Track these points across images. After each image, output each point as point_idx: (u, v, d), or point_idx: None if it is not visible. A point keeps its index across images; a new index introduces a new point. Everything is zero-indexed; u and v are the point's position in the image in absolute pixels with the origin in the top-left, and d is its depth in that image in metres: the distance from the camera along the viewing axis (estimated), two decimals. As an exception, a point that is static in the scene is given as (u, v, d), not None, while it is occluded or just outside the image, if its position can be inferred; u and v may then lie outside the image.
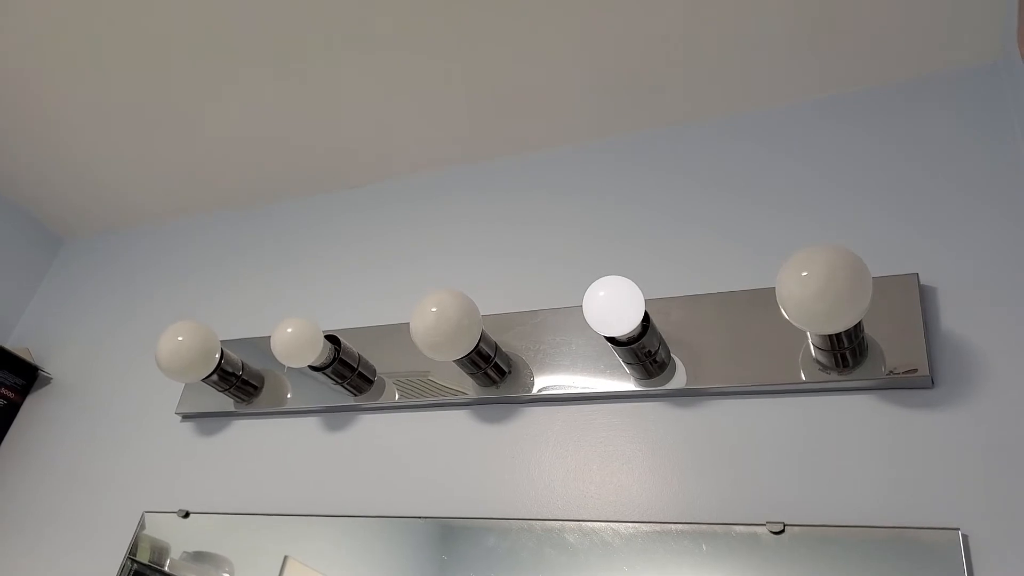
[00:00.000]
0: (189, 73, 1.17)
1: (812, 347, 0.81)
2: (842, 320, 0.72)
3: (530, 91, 1.12)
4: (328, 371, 1.02)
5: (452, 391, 1.00)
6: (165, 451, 1.18)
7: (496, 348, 0.96)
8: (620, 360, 0.89)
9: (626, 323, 0.81)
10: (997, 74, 0.95)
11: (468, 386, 0.99)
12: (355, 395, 1.06)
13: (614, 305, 0.81)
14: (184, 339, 1.05)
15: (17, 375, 1.37)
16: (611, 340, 0.85)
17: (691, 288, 0.96)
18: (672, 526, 0.80)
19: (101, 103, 1.26)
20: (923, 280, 0.84)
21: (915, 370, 0.78)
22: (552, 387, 0.95)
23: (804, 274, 0.71)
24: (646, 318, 0.83)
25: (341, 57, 1.11)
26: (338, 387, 1.05)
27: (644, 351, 0.86)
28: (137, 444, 1.21)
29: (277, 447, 1.09)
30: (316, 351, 0.99)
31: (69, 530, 1.17)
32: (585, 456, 0.91)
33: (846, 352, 0.79)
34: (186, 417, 1.20)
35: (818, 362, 0.82)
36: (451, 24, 1.04)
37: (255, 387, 1.14)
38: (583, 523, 0.84)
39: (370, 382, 1.06)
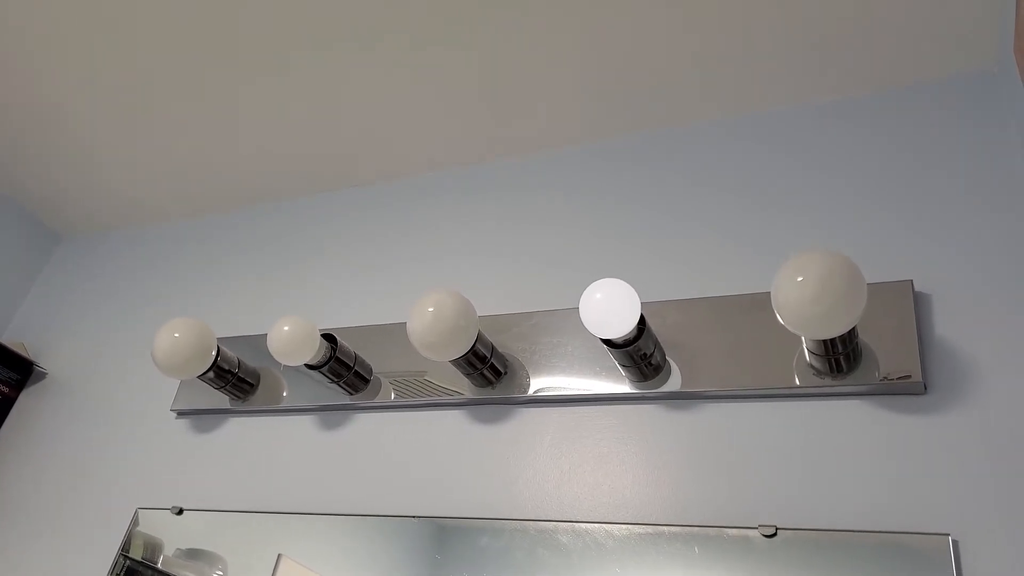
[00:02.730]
0: (189, 73, 1.17)
1: (807, 352, 0.81)
2: (837, 325, 0.72)
3: (528, 93, 1.12)
4: (324, 370, 1.02)
5: (448, 391, 1.00)
6: (160, 448, 1.18)
7: (492, 349, 0.96)
8: (616, 362, 0.89)
9: (622, 325, 0.82)
10: (994, 82, 0.95)
11: (464, 386, 0.99)
12: (351, 394, 1.06)
13: (610, 307, 0.81)
14: (180, 336, 1.05)
15: (12, 370, 1.36)
16: (607, 342, 0.85)
17: (687, 291, 0.96)
18: (665, 528, 0.81)
19: (100, 101, 1.26)
20: (917, 287, 0.85)
21: (908, 376, 0.78)
22: (548, 388, 0.95)
23: (799, 279, 0.71)
24: (642, 321, 0.84)
25: (341, 59, 1.11)
26: (334, 386, 1.05)
27: (640, 354, 0.86)
28: (132, 440, 1.21)
29: (272, 445, 1.10)
30: (312, 349, 0.99)
31: (62, 526, 1.17)
32: (579, 457, 0.91)
33: (840, 357, 0.79)
34: (181, 414, 1.20)
35: (812, 367, 0.82)
36: (451, 26, 1.04)
37: (251, 385, 1.14)
38: (576, 524, 0.84)
39: (366, 381, 1.06)
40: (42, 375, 1.38)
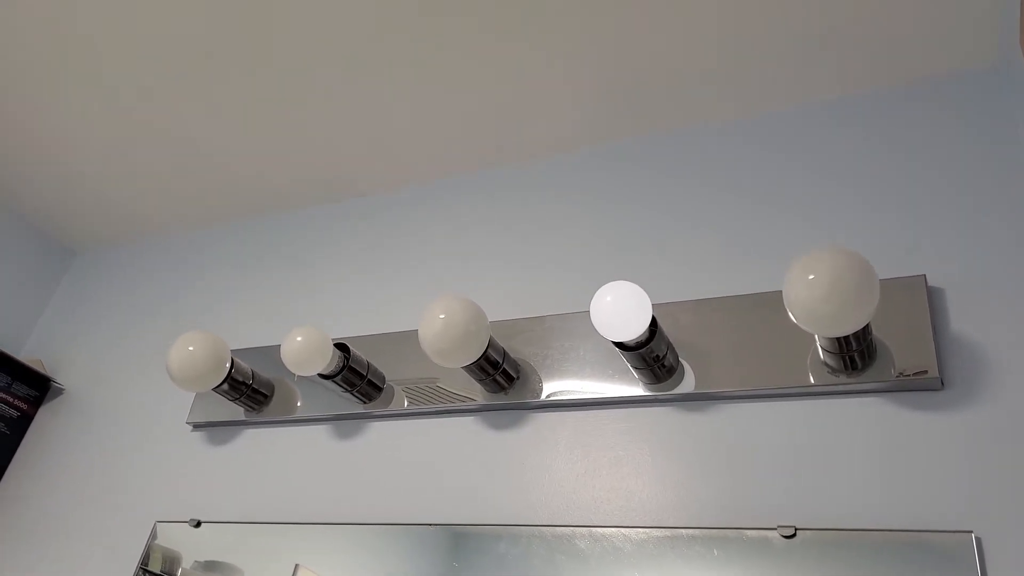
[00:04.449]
0: (196, 86, 1.18)
1: (820, 350, 0.81)
2: (849, 322, 0.72)
3: (535, 97, 1.12)
4: (337, 379, 1.03)
5: (461, 398, 1.00)
6: (176, 461, 1.19)
7: (504, 354, 0.96)
8: (628, 365, 0.89)
9: (633, 328, 0.82)
10: (1002, 74, 0.94)
11: (477, 392, 0.99)
12: (364, 402, 1.06)
13: (621, 310, 0.81)
14: (195, 349, 1.05)
15: (30, 386, 1.38)
16: (619, 345, 0.85)
17: (698, 292, 0.96)
18: (683, 531, 0.80)
19: (110, 119, 1.27)
20: (931, 281, 0.84)
21: (925, 372, 0.78)
22: (561, 392, 0.95)
23: (811, 277, 0.71)
24: (653, 323, 0.83)
25: (348, 67, 1.12)
26: (347, 395, 1.05)
27: (652, 356, 0.86)
28: (149, 454, 1.22)
29: (287, 455, 1.10)
30: (325, 359, 0.99)
31: (81, 540, 1.18)
32: (595, 461, 0.90)
33: (854, 354, 0.79)
34: (197, 426, 1.20)
35: (827, 365, 0.82)
36: (457, 33, 1.04)
37: (265, 396, 1.14)
38: (594, 529, 0.84)
39: (379, 389, 1.06)
40: (59, 391, 1.40)
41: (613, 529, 0.83)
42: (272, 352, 1.16)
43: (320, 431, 1.10)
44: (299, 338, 0.99)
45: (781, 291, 0.80)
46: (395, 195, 1.31)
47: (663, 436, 0.88)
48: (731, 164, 1.05)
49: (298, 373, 1.00)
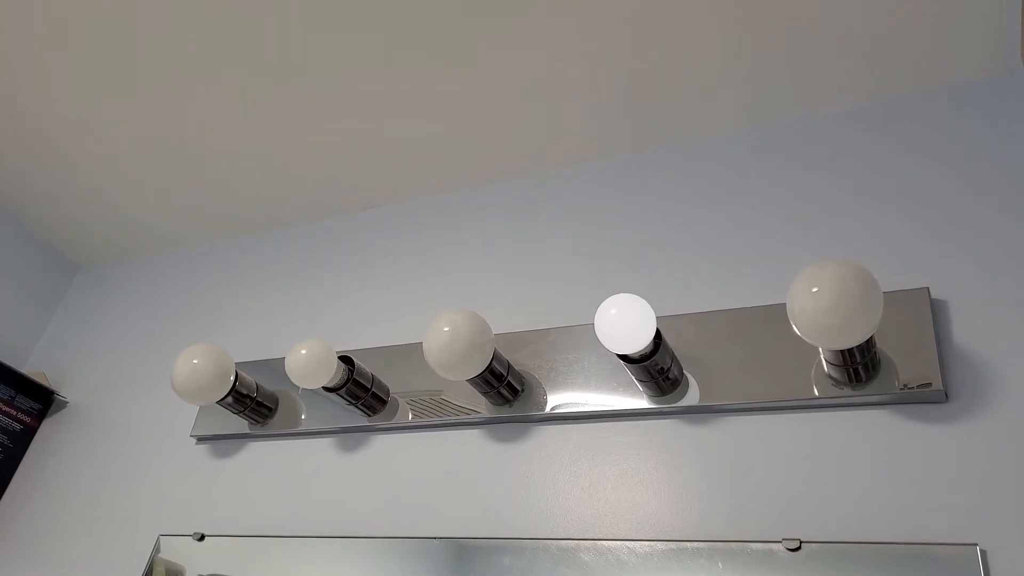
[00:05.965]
0: (202, 99, 1.19)
1: (824, 362, 0.81)
2: (853, 335, 0.72)
3: (540, 110, 1.13)
4: (342, 392, 1.03)
5: (465, 410, 1.01)
6: (180, 474, 1.18)
7: (509, 367, 0.96)
8: (633, 378, 0.89)
9: (638, 340, 0.82)
10: (1007, 86, 0.95)
11: (481, 405, 0.99)
12: (369, 415, 1.06)
13: (626, 322, 0.82)
14: (199, 362, 1.06)
15: (34, 400, 1.38)
16: (623, 358, 0.85)
17: (703, 305, 0.96)
18: (688, 544, 0.80)
19: (114, 131, 1.28)
20: (934, 294, 0.85)
21: (929, 384, 0.78)
22: (565, 405, 0.95)
23: (814, 289, 0.71)
24: (658, 335, 0.84)
25: (353, 80, 1.13)
26: (352, 408, 1.05)
27: (657, 368, 0.86)
28: (152, 467, 1.22)
29: (292, 469, 1.10)
30: (330, 372, 1.00)
31: (85, 554, 1.18)
32: (599, 474, 0.91)
33: (858, 367, 0.79)
34: (201, 440, 1.20)
35: (831, 377, 0.82)
36: (461, 45, 1.05)
37: (270, 409, 1.14)
38: (598, 542, 0.84)
39: (384, 402, 1.07)
40: (63, 404, 1.40)
41: (617, 542, 0.83)
42: (276, 365, 1.16)
43: (324, 444, 1.10)
44: (304, 351, 0.99)
45: (785, 303, 0.81)
46: (399, 208, 1.32)
47: (668, 449, 0.88)
48: (734, 175, 1.06)
49: (302, 386, 1.00)
